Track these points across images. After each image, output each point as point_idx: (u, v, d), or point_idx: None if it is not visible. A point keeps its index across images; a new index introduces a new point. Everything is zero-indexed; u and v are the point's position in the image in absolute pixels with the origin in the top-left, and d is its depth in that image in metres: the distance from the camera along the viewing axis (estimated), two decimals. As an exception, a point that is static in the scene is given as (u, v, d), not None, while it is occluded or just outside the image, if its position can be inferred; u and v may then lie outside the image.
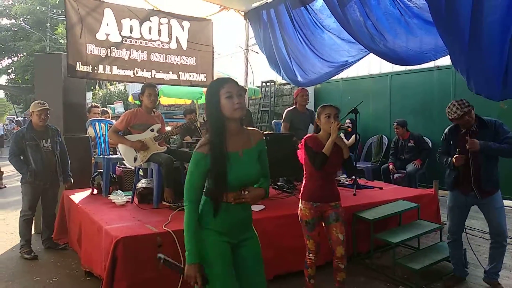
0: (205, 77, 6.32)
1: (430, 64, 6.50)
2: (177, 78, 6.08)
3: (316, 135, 2.97)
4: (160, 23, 5.87)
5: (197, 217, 1.92)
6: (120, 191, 4.36)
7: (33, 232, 4.60)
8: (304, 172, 2.99)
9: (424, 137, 6.54)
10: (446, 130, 3.46)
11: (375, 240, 3.86)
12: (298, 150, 2.99)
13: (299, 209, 2.97)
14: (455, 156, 3.16)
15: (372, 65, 8.07)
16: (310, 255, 2.93)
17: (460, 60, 3.12)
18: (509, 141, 3.09)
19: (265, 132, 6.04)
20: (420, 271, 3.40)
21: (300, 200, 2.97)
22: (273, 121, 7.91)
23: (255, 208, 3.77)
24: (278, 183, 4.87)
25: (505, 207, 3.34)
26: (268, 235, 3.41)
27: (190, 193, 1.91)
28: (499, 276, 3.32)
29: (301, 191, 2.98)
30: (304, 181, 2.99)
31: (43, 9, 27.81)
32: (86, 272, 3.58)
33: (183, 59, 6.11)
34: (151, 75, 5.78)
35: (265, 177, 2.09)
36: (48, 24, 26.86)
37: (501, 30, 2.76)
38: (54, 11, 27.22)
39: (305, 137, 2.98)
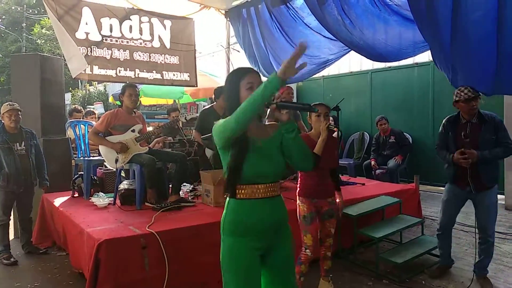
0: (188, 76, 6.27)
1: (409, 61, 6.63)
2: (161, 78, 6.01)
3: (308, 133, 3.05)
4: (141, 22, 5.80)
5: None
6: (102, 193, 4.30)
7: (12, 237, 4.50)
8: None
9: (404, 133, 6.65)
10: (444, 121, 3.37)
11: (358, 236, 3.90)
12: None
13: (297, 206, 3.01)
14: (458, 151, 3.12)
15: (353, 62, 8.16)
16: (307, 250, 2.93)
17: (441, 56, 3.14)
18: (505, 144, 3.10)
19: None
20: (403, 264, 3.45)
21: (298, 197, 3.02)
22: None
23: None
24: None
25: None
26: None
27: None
28: (487, 271, 3.35)
29: (298, 189, 3.03)
30: (300, 179, 3.04)
31: (19, 8, 27.07)
32: (80, 273, 3.47)
33: (167, 58, 6.04)
34: (135, 75, 5.70)
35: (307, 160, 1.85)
36: (24, 24, 26.17)
37: (489, 24, 2.77)
38: (30, 10, 26.55)
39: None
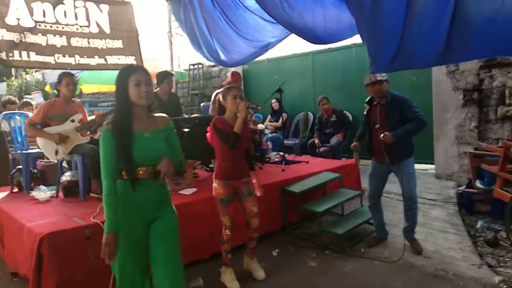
0: (134, 60, 6.06)
1: (348, 42, 6.85)
2: (105, 62, 5.75)
3: (222, 116, 3.07)
4: (75, 7, 5.51)
5: (115, 191, 2.03)
6: (44, 187, 4.15)
7: None
8: (216, 153, 3.10)
9: (345, 112, 6.95)
10: (365, 102, 3.82)
11: (303, 211, 4.10)
12: (207, 133, 3.08)
13: (213, 188, 3.07)
14: (353, 144, 3.84)
15: (296, 44, 8.27)
16: (227, 231, 3.05)
17: (363, 33, 3.28)
18: (415, 117, 3.41)
19: (193, 115, 6.04)
20: (344, 235, 3.70)
21: (214, 179, 3.08)
22: (201, 104, 7.88)
23: (187, 191, 3.83)
24: (210, 165, 4.93)
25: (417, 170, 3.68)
26: (202, 216, 3.49)
27: (104, 169, 2.02)
28: (415, 232, 3.68)
29: (215, 171, 3.09)
30: (216, 161, 3.11)
31: None
32: (13, 274, 3.41)
33: (108, 43, 5.78)
34: (75, 61, 5.42)
35: (175, 153, 2.24)
36: None
37: (399, 3, 2.94)
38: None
39: (213, 120, 3.06)
